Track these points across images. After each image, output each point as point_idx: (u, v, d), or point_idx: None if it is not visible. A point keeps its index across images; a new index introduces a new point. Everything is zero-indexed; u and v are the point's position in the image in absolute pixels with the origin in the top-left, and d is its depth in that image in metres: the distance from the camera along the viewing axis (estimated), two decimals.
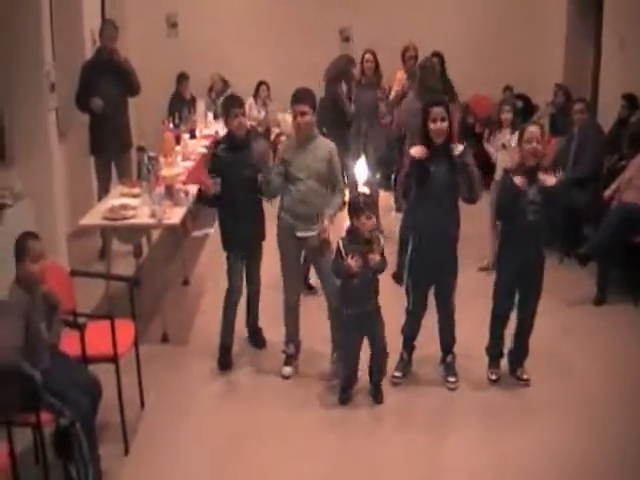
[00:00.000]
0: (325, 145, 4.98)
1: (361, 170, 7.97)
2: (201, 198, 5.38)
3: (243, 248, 5.23)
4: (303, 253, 5.15)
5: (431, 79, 6.76)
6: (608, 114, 8.28)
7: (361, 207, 4.55)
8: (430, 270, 4.85)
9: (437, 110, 4.67)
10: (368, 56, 7.93)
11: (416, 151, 4.66)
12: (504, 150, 6.64)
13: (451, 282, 4.94)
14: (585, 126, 7.40)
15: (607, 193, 6.79)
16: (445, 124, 4.66)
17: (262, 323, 5.61)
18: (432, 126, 4.66)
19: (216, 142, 5.40)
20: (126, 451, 4.21)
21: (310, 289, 6.26)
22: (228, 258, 5.23)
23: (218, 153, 5.14)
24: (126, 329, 4.37)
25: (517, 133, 5.11)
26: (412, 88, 7.11)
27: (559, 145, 7.72)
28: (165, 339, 5.54)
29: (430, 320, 5.08)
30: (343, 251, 4.54)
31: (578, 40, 10.22)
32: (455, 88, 7.92)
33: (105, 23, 7.62)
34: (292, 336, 5.18)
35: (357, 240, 4.58)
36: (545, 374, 5.15)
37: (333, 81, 7.32)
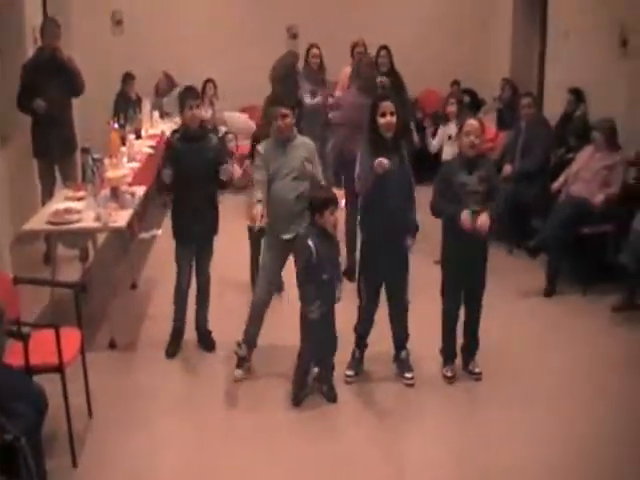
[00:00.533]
0: (305, 144, 4.97)
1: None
2: (159, 184, 5.29)
3: (193, 240, 5.22)
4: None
5: (368, 73, 6.67)
6: (553, 108, 8.39)
7: (325, 203, 4.52)
8: (383, 266, 4.81)
9: (386, 104, 4.66)
10: (314, 50, 7.87)
11: (381, 165, 4.53)
12: (449, 142, 6.69)
13: (404, 277, 4.91)
14: (532, 120, 7.46)
15: (555, 186, 6.86)
16: (394, 118, 4.64)
17: (223, 323, 5.54)
18: (381, 120, 4.64)
19: (173, 131, 5.33)
20: (74, 464, 4.06)
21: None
22: (176, 251, 5.23)
23: (173, 142, 5.13)
24: (72, 337, 4.24)
25: None
26: (352, 83, 7.03)
27: (507, 139, 7.78)
28: (112, 345, 5.40)
29: (380, 316, 5.04)
30: (313, 250, 4.48)
31: (524, 35, 10.34)
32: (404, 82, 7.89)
33: (47, 21, 7.42)
34: (249, 338, 5.09)
35: (324, 237, 4.55)
36: (497, 367, 5.14)
37: (282, 79, 7.21)
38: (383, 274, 4.87)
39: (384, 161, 4.50)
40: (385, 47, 7.78)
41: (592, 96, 7.93)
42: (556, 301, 6.42)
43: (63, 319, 4.27)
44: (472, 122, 4.74)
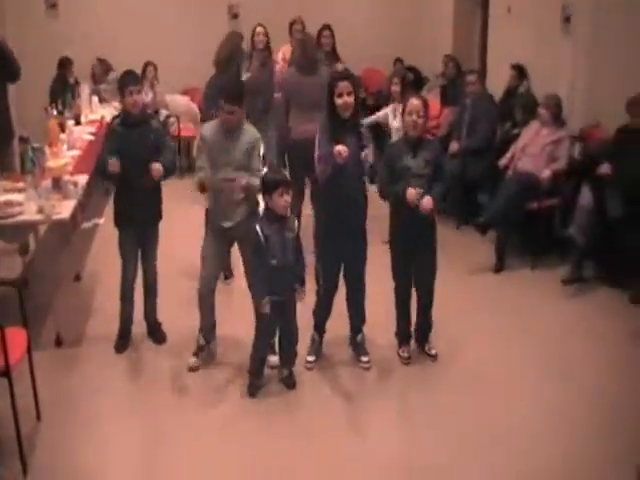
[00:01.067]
0: (249, 134, 4.82)
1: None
2: (100, 172, 5.13)
3: (136, 227, 5.09)
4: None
5: (309, 51, 6.55)
6: (497, 84, 8.39)
7: (274, 184, 4.39)
8: (341, 249, 4.75)
9: (343, 84, 4.56)
10: (259, 29, 7.69)
11: (339, 154, 4.44)
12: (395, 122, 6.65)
13: (362, 260, 4.85)
14: (477, 97, 7.49)
15: (502, 162, 6.89)
16: (352, 98, 4.56)
17: (171, 312, 5.42)
18: (339, 101, 4.56)
19: (113, 117, 5.16)
20: (24, 470, 3.86)
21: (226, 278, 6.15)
22: (120, 240, 5.10)
23: (114, 128, 5.00)
24: (17, 337, 4.05)
25: None
26: (292, 61, 6.90)
27: (452, 116, 7.78)
28: (59, 342, 5.21)
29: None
30: (260, 234, 4.37)
31: (466, 12, 10.37)
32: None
33: None
34: (205, 327, 5.00)
35: (273, 219, 4.42)
36: (450, 347, 5.15)
37: (227, 62, 7.03)
38: (342, 257, 4.80)
39: (343, 150, 4.42)
40: (328, 27, 7.68)
41: (535, 72, 7.97)
42: (506, 276, 6.47)
43: (6, 317, 4.04)
44: (414, 101, 4.68)
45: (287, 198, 4.39)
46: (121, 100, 5.01)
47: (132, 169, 4.87)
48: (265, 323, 4.55)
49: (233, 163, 4.72)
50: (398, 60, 10.54)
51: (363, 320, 5.01)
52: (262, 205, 4.59)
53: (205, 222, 5.28)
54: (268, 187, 4.41)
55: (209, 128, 4.83)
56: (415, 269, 4.91)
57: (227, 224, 4.80)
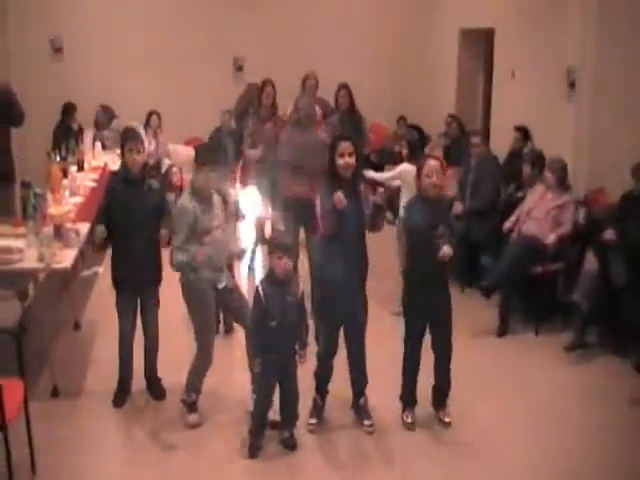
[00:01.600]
0: (217, 200, 4.87)
1: (257, 203, 7.72)
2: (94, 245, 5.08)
3: (136, 290, 4.98)
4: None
5: (307, 109, 6.49)
6: (500, 145, 8.42)
7: (272, 247, 4.39)
8: (341, 310, 4.68)
9: (345, 145, 4.58)
10: (269, 89, 7.72)
11: (339, 201, 4.42)
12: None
13: (363, 321, 4.77)
14: (482, 159, 7.49)
15: (507, 225, 6.84)
16: (353, 159, 4.57)
17: (168, 368, 5.28)
18: (340, 161, 4.55)
19: (112, 173, 5.10)
20: None
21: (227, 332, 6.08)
22: (117, 300, 4.98)
23: (113, 185, 4.93)
24: (14, 389, 3.94)
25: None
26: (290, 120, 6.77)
27: (457, 177, 7.77)
28: (55, 393, 5.09)
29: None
30: (262, 294, 4.31)
31: (469, 72, 10.45)
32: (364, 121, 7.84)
33: None
34: (196, 387, 4.87)
35: (273, 281, 4.37)
36: (454, 412, 5.02)
37: (241, 113, 7.05)
38: (342, 317, 4.72)
39: (342, 197, 4.40)
40: (345, 86, 7.70)
41: (539, 135, 7.99)
42: (509, 341, 6.40)
43: (3, 366, 3.99)
44: (432, 162, 4.66)
45: (286, 261, 4.32)
46: (122, 156, 4.94)
47: (131, 229, 4.80)
48: (262, 382, 4.46)
49: (221, 224, 4.77)
50: (401, 118, 10.60)
51: (365, 383, 4.90)
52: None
53: None
54: (270, 249, 4.40)
55: (185, 200, 4.71)
56: (432, 332, 4.83)
57: (221, 285, 4.78)
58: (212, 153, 4.91)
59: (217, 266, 4.73)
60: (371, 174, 6.86)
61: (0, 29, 9.15)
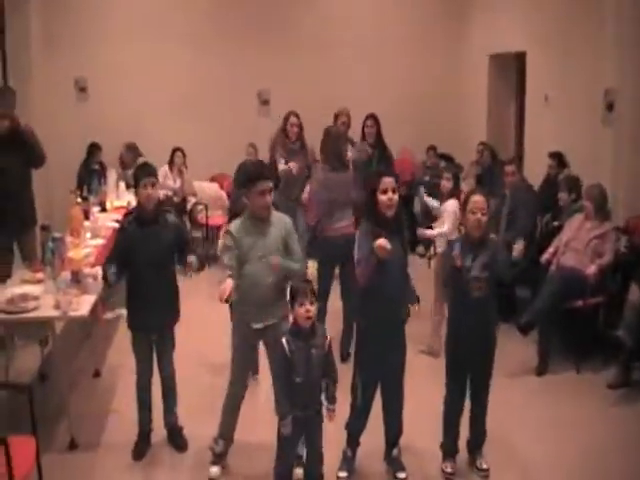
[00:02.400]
0: (279, 220, 4.51)
1: None
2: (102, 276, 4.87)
3: (150, 331, 4.79)
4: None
5: (334, 146, 6.25)
6: (534, 173, 8.14)
7: (293, 293, 4.08)
8: (381, 360, 4.38)
9: (388, 180, 4.25)
10: (294, 119, 7.55)
11: (382, 249, 4.11)
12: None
13: (402, 370, 4.49)
14: (517, 188, 7.24)
15: (544, 257, 6.57)
16: (396, 196, 4.25)
17: (193, 415, 5.05)
18: (383, 198, 4.23)
19: (125, 214, 4.89)
20: None
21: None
22: (133, 341, 4.81)
23: (125, 226, 4.71)
24: (25, 447, 3.75)
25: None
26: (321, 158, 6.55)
27: (491, 208, 7.49)
28: (73, 446, 4.85)
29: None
30: (286, 348, 4.03)
31: (500, 98, 10.26)
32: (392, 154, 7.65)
33: (3, 90, 7.07)
34: (225, 433, 4.64)
35: (298, 334, 4.07)
36: (495, 459, 4.73)
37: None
38: (381, 369, 4.42)
39: (386, 244, 4.09)
40: (372, 116, 7.51)
41: (575, 161, 7.71)
42: (549, 380, 6.10)
43: (17, 420, 3.77)
44: (477, 198, 4.37)
45: (309, 307, 4.01)
46: (135, 194, 4.77)
47: (146, 271, 4.61)
48: (286, 442, 4.17)
49: (268, 255, 4.38)
50: (431, 148, 10.37)
51: (400, 433, 4.62)
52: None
53: (231, 318, 4.99)
54: (290, 297, 4.10)
55: (236, 224, 4.50)
56: (471, 377, 4.55)
57: (257, 325, 4.46)
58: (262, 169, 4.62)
59: (253, 301, 4.43)
60: (426, 232, 6.53)
61: (24, 69, 9.05)
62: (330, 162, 6.20)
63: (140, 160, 9.43)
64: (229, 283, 4.20)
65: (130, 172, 9.29)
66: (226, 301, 4.27)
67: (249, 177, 4.42)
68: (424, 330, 6.33)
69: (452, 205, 6.23)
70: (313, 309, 4.03)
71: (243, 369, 4.63)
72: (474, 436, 4.70)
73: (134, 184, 4.78)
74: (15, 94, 6.65)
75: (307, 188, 7.10)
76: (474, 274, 4.33)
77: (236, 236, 4.40)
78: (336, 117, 7.80)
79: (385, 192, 4.22)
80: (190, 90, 10.41)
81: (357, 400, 4.49)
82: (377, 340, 4.35)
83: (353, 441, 4.60)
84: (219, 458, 4.63)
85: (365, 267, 4.21)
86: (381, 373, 4.45)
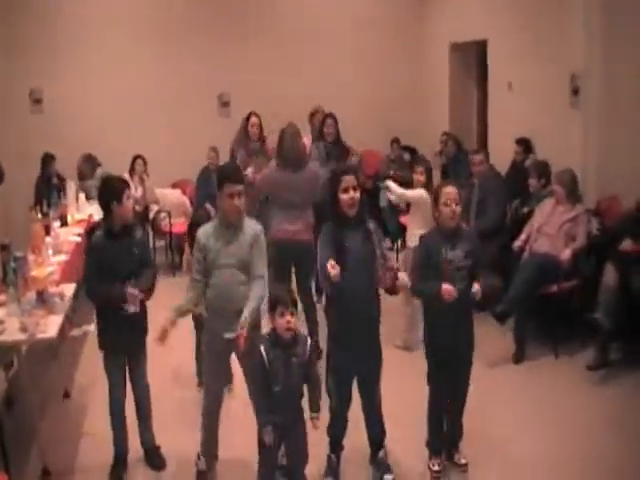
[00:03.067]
0: (251, 227, 4.34)
1: None
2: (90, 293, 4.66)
3: (123, 349, 4.62)
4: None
5: (288, 144, 6.12)
6: (499, 159, 8.07)
7: (272, 303, 3.95)
8: (353, 358, 4.26)
9: (349, 178, 4.13)
10: (254, 119, 7.41)
11: (333, 274, 3.98)
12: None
13: (377, 369, 4.38)
14: (486, 176, 7.17)
15: (517, 244, 6.54)
16: (357, 194, 4.12)
17: (169, 431, 4.89)
18: (344, 197, 4.11)
19: (91, 228, 4.67)
20: None
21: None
22: (106, 362, 4.62)
23: (95, 242, 4.49)
24: None
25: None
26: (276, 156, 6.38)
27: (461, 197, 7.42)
28: (46, 474, 4.61)
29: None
30: (265, 358, 3.90)
31: (462, 88, 10.19)
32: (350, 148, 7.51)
33: None
34: (207, 450, 4.49)
35: (276, 343, 3.94)
36: (477, 451, 4.67)
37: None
38: (354, 367, 4.31)
39: (335, 270, 3.95)
40: (331, 115, 7.36)
41: (541, 147, 7.68)
42: (528, 366, 6.09)
43: None
44: (449, 189, 4.30)
45: (289, 318, 3.89)
46: (104, 210, 4.49)
47: (115, 283, 4.42)
48: (267, 450, 4.04)
49: (236, 263, 4.23)
50: (395, 141, 10.28)
51: (383, 434, 4.50)
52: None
53: (196, 329, 4.84)
54: (270, 306, 3.97)
55: (205, 228, 4.34)
56: (452, 371, 4.44)
57: (229, 335, 4.24)
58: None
59: (222, 311, 4.28)
60: (390, 184, 6.45)
61: None
62: (282, 161, 6.07)
63: (99, 170, 9.23)
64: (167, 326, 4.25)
65: (89, 182, 9.10)
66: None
67: (218, 179, 4.29)
68: (397, 324, 6.25)
69: (420, 191, 6.21)
70: (294, 320, 3.91)
71: (217, 381, 4.47)
72: (451, 431, 4.59)
73: (101, 200, 4.52)
74: None
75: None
76: (457, 264, 4.25)
77: (203, 242, 4.26)
78: (312, 115, 7.67)
79: (346, 191, 4.11)
80: (148, 95, 10.18)
81: (333, 402, 4.39)
82: (348, 341, 4.24)
83: (336, 445, 4.48)
84: (203, 476, 4.48)
85: (326, 280, 4.10)
86: (354, 374, 4.33)
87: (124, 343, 4.56)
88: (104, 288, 4.42)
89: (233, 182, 4.20)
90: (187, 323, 4.90)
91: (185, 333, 4.75)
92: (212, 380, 4.45)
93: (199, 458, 4.50)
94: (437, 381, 4.48)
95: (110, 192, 4.45)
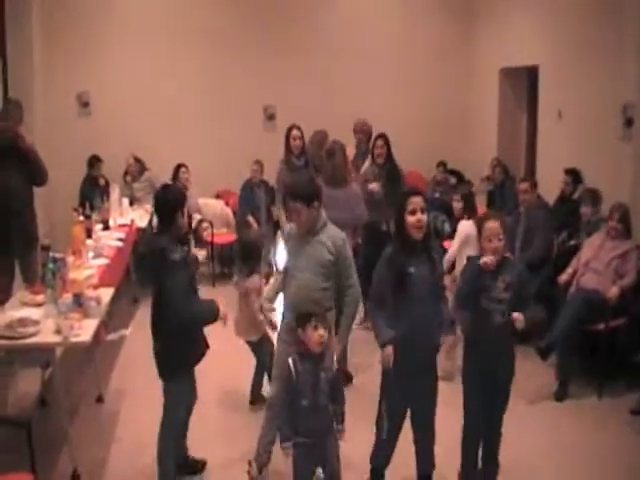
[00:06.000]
0: (334, 235, 4.37)
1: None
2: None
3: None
4: None
5: (334, 164, 6.10)
6: (547, 190, 7.92)
7: (303, 316, 3.89)
8: (411, 389, 4.15)
9: (416, 200, 4.02)
10: (295, 132, 7.32)
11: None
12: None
13: (433, 400, 4.25)
14: (532, 206, 7.04)
15: (563, 278, 6.38)
16: (425, 216, 4.01)
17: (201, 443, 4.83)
18: (411, 219, 3.99)
19: (161, 248, 4.22)
20: None
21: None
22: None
23: (181, 257, 4.17)
24: None
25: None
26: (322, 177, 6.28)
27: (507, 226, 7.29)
28: (75, 476, 4.57)
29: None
30: (293, 372, 3.84)
31: (511, 114, 10.07)
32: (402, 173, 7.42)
33: (7, 103, 6.87)
34: (263, 452, 4.46)
35: (306, 355, 3.88)
36: None
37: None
38: (411, 396, 4.20)
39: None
40: (382, 136, 7.25)
41: (591, 179, 7.50)
42: (569, 405, 5.88)
43: (17, 450, 3.52)
44: (491, 224, 4.12)
45: (322, 332, 3.84)
46: (169, 220, 4.30)
47: None
48: (299, 469, 3.94)
49: (313, 268, 4.30)
50: (441, 163, 10.18)
51: (432, 466, 4.38)
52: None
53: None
54: (300, 319, 3.92)
55: (290, 228, 4.56)
56: (488, 405, 4.30)
57: None
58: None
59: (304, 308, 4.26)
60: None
61: (26, 85, 8.86)
62: (325, 177, 6.04)
63: (146, 174, 9.26)
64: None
65: (135, 185, 9.13)
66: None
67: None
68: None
69: (463, 226, 6.13)
70: (326, 334, 3.88)
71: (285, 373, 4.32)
72: (489, 468, 4.43)
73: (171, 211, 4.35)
74: (21, 107, 6.48)
75: None
76: (494, 295, 4.11)
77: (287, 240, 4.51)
78: (358, 130, 7.62)
79: (413, 213, 3.99)
80: (195, 104, 10.21)
81: (382, 431, 4.27)
82: (405, 368, 4.11)
83: (377, 475, 4.37)
84: None
85: (377, 287, 4.08)
86: (409, 402, 4.22)
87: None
88: (205, 307, 4.36)
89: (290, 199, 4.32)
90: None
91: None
92: (282, 374, 4.22)
93: (250, 464, 4.49)
94: (472, 414, 4.34)
95: (176, 201, 4.35)
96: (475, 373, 4.27)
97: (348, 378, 5.68)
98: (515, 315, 4.03)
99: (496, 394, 4.30)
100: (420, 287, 3.99)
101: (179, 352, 4.23)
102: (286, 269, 4.46)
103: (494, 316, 4.11)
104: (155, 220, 4.41)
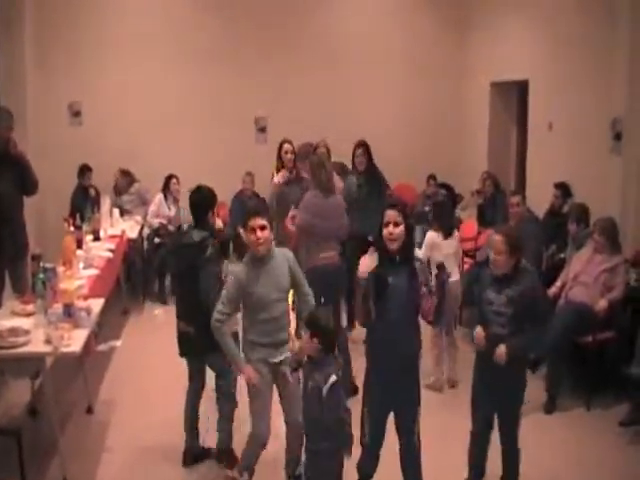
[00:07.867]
0: (282, 255, 4.40)
1: None
2: None
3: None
4: None
5: (321, 173, 6.07)
6: (536, 203, 7.97)
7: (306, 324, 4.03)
8: (390, 394, 4.17)
9: (389, 213, 4.06)
10: (287, 146, 7.33)
11: (363, 270, 4.02)
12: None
13: (415, 408, 4.25)
14: (522, 219, 7.06)
15: (552, 291, 6.42)
16: (399, 229, 4.03)
17: None
18: (384, 231, 4.05)
19: (199, 241, 4.68)
20: None
21: None
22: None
23: (208, 250, 4.61)
24: None
25: None
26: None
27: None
28: None
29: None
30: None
31: (501, 127, 10.11)
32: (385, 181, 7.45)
33: None
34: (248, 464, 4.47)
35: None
36: None
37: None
38: (393, 401, 4.21)
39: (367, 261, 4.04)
40: (362, 144, 7.28)
41: (581, 192, 7.55)
42: (558, 417, 5.90)
43: (6, 459, 3.52)
44: (495, 237, 4.36)
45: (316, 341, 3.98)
46: (203, 220, 4.84)
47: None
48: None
49: (281, 296, 4.34)
50: (431, 177, 10.22)
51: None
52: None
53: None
54: (306, 326, 4.02)
55: (240, 268, 4.33)
56: (499, 419, 4.43)
57: (277, 359, 4.34)
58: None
59: (276, 342, 4.37)
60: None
61: (18, 94, 8.87)
62: (320, 187, 6.05)
63: (135, 186, 9.25)
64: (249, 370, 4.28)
65: (125, 198, 9.12)
66: None
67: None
68: (428, 363, 6.13)
69: (427, 237, 6.19)
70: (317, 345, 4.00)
71: (266, 407, 4.39)
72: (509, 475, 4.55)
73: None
74: (12, 115, 6.45)
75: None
76: (495, 308, 4.23)
77: (244, 280, 4.26)
78: (315, 149, 7.59)
79: (387, 225, 4.05)
80: (186, 115, 10.24)
81: (365, 437, 4.28)
82: (386, 375, 4.16)
83: None
84: None
85: (362, 303, 4.08)
86: (392, 407, 4.23)
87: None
88: None
89: (253, 216, 4.28)
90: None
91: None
92: (263, 408, 4.35)
93: (240, 472, 4.46)
94: (479, 419, 4.49)
95: (210, 201, 4.57)
96: (482, 382, 4.42)
97: (354, 389, 5.69)
98: (498, 352, 4.20)
99: (503, 404, 4.41)
100: (398, 297, 4.03)
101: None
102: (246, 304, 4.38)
103: (494, 328, 4.25)
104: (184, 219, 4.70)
